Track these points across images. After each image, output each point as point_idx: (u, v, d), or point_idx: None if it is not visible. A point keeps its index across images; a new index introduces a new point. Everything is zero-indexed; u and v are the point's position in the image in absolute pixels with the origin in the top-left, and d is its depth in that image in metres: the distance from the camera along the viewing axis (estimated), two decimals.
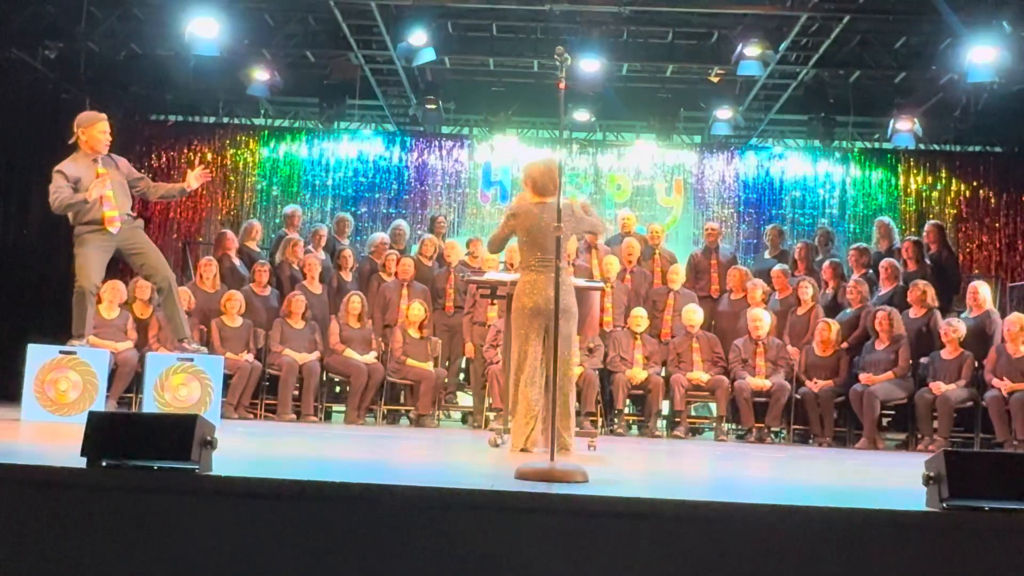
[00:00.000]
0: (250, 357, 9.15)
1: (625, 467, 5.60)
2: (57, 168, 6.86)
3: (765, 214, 13.10)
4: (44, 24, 10.10)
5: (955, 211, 12.93)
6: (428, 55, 10.28)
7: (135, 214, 7.18)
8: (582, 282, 6.60)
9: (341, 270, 10.28)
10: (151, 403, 7.15)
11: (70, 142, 6.98)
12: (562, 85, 4.60)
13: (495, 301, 8.71)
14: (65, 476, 3.27)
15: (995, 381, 8.32)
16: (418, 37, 10.08)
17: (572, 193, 12.33)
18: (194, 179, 7.22)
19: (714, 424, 9.60)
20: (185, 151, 13.09)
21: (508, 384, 5.95)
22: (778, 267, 10.19)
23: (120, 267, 8.80)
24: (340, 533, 3.12)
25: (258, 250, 10.81)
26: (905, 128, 11.57)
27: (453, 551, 3.09)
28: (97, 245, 6.85)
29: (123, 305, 9.03)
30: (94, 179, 6.78)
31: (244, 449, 5.21)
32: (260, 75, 11.13)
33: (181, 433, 3.22)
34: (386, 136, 13.41)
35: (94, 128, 6.91)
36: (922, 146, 12.68)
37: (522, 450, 5.66)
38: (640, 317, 9.36)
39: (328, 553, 3.09)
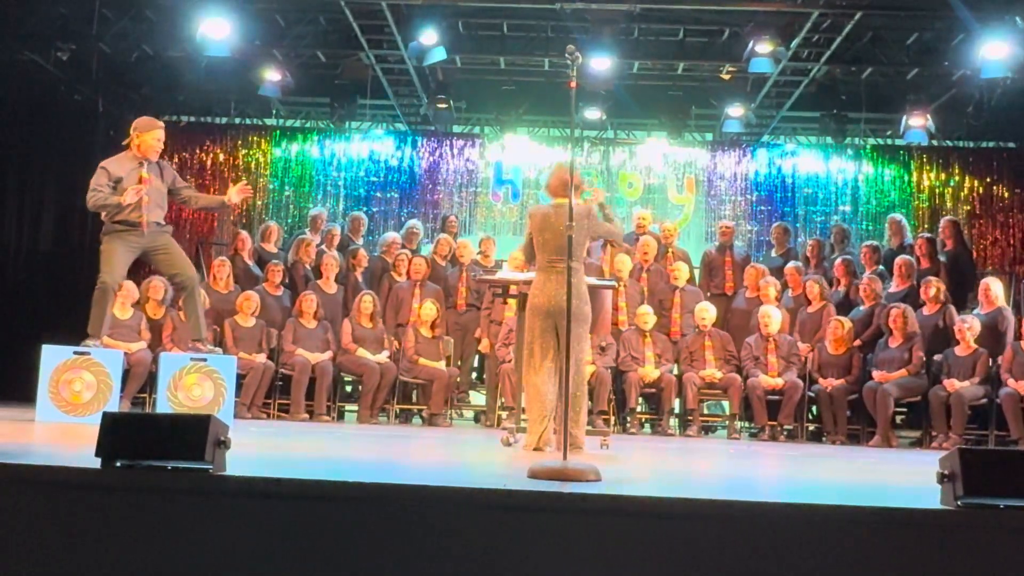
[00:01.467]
0: (263, 357, 9.17)
1: (638, 466, 5.60)
2: (103, 164, 6.99)
3: (777, 211, 13.06)
4: (56, 26, 10.13)
5: (968, 207, 12.86)
6: (439, 54, 10.28)
7: (165, 222, 7.23)
8: (594, 280, 6.60)
9: (354, 270, 10.29)
10: (165, 403, 7.18)
11: (124, 143, 7.10)
12: (573, 84, 4.61)
13: (508, 300, 8.73)
14: (79, 477, 3.28)
15: (1011, 382, 8.28)
16: (429, 36, 10.09)
17: (589, 192, 12.31)
18: (235, 193, 7.37)
19: (727, 422, 9.58)
20: (197, 152, 13.12)
21: (519, 382, 5.97)
22: (792, 264, 10.17)
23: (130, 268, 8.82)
24: (353, 533, 3.12)
25: (274, 251, 10.81)
26: (918, 124, 11.52)
27: (466, 550, 3.09)
28: (125, 243, 6.92)
29: (135, 305, 9.07)
30: (135, 182, 6.88)
31: (257, 449, 5.22)
32: (271, 75, 11.15)
33: (195, 433, 3.23)
34: (397, 136, 13.42)
35: (149, 134, 7.04)
36: (935, 142, 12.62)
37: (535, 449, 5.67)
38: (646, 314, 9.35)
39: (341, 552, 3.10)
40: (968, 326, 8.63)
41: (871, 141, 13.21)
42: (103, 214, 6.95)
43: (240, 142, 13.27)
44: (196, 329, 7.30)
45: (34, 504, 3.19)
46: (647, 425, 9.69)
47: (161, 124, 7.17)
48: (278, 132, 13.41)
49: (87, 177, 6.98)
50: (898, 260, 9.76)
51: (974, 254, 12.12)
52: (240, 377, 8.39)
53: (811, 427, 9.36)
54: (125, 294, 8.82)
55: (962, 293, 9.83)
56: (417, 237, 11.25)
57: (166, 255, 7.13)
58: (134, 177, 6.90)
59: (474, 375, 10.54)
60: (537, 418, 5.74)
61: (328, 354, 9.35)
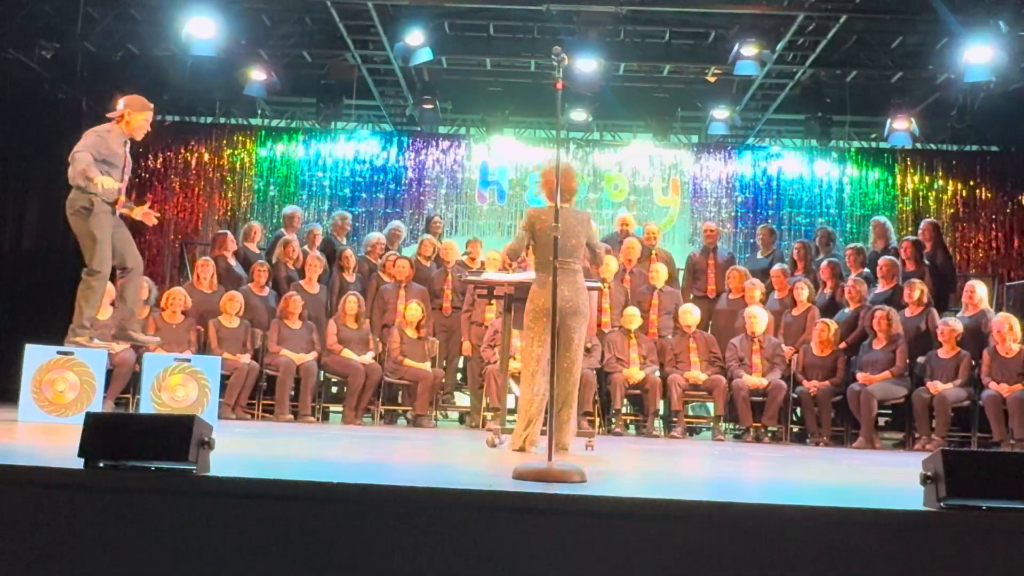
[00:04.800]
0: (247, 358, 9.14)
1: (622, 467, 5.60)
2: (100, 132, 6.75)
3: (762, 214, 13.11)
4: (40, 24, 10.08)
5: (952, 210, 12.95)
6: (425, 55, 10.28)
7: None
8: None
9: (343, 271, 10.26)
10: (148, 404, 7.15)
11: (109, 115, 6.89)
12: (559, 85, 4.61)
13: (492, 301, 8.72)
14: (62, 477, 3.26)
15: (992, 384, 8.33)
16: (415, 37, 10.08)
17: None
18: (139, 213, 7.05)
19: (712, 424, 9.60)
20: (182, 151, 13.08)
21: (505, 383, 5.97)
22: (778, 267, 10.19)
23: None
24: (337, 534, 3.12)
25: (257, 251, 10.78)
26: (902, 128, 11.60)
27: (450, 551, 3.09)
28: (110, 227, 6.78)
29: (114, 305, 8.96)
30: (121, 162, 6.76)
31: (242, 450, 5.21)
32: (257, 75, 11.13)
33: (178, 434, 3.22)
34: (383, 136, 13.41)
35: (142, 115, 6.87)
36: (919, 145, 12.71)
37: (518, 449, 5.66)
38: (633, 316, 9.36)
39: (325, 554, 3.09)
40: (950, 329, 8.67)
41: (855, 144, 13.28)
42: (84, 184, 6.62)
43: (225, 142, 13.24)
44: (134, 317, 7.12)
45: (16, 504, 3.17)
46: (632, 426, 9.70)
47: (152, 106, 7.00)
48: (263, 132, 13.39)
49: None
50: (881, 261, 9.79)
51: (957, 257, 12.21)
52: (224, 378, 8.35)
53: (795, 429, 9.39)
54: (104, 295, 8.74)
55: (943, 295, 9.88)
56: (399, 238, 11.23)
57: (124, 239, 6.94)
58: (121, 157, 6.79)
59: (459, 376, 10.53)
60: (527, 418, 5.73)
61: (313, 355, 9.32)
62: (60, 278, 10.94)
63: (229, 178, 13.18)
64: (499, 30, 11.21)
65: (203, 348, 9.07)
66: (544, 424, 5.77)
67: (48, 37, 10.11)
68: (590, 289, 6.55)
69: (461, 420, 10.40)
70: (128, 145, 6.87)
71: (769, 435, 9.13)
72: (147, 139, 7.33)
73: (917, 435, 8.61)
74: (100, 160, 6.65)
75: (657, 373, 9.29)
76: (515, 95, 12.51)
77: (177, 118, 12.94)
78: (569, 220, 5.75)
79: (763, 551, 3.08)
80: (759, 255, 11.27)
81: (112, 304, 7.32)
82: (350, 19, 10.40)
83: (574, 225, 5.81)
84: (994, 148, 13.00)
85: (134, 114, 6.84)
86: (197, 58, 10.48)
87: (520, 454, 5.55)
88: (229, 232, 10.76)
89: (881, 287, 9.67)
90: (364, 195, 13.25)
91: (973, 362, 8.59)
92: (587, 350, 9.05)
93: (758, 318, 9.24)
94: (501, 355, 6.94)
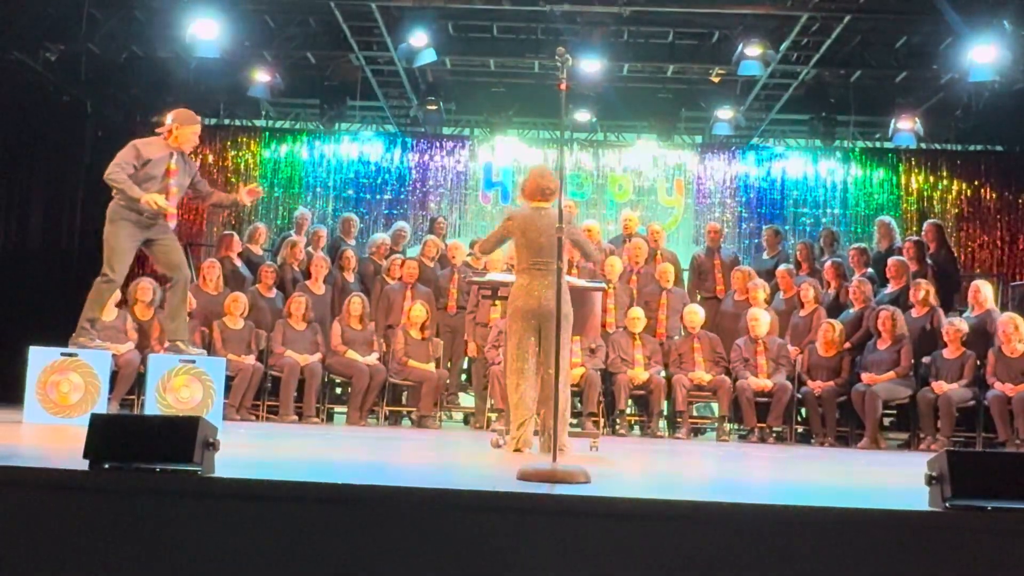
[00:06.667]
0: (252, 359, 9.14)
1: (627, 468, 5.60)
2: (135, 143, 6.92)
3: (766, 214, 13.10)
4: (45, 26, 10.10)
5: (956, 210, 12.93)
6: (429, 56, 10.28)
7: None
8: (583, 282, 6.59)
9: (343, 271, 10.28)
10: (153, 405, 7.15)
11: (157, 131, 7.06)
12: (563, 86, 4.61)
13: (496, 302, 8.71)
14: (67, 478, 3.26)
15: (998, 384, 8.32)
16: (419, 38, 10.08)
17: (574, 194, 12.36)
18: (245, 194, 7.35)
19: (716, 424, 9.59)
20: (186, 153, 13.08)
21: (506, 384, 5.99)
22: (783, 267, 10.19)
23: None
24: (342, 535, 3.12)
25: (261, 253, 10.80)
26: (906, 127, 11.58)
27: (455, 552, 3.09)
28: (132, 234, 6.84)
29: (121, 306, 9.00)
30: (164, 172, 6.87)
31: (246, 451, 5.21)
32: (261, 77, 11.14)
33: (183, 435, 3.22)
34: (387, 137, 13.42)
35: (189, 128, 7.01)
36: (923, 145, 12.68)
37: (516, 451, 5.66)
38: (638, 317, 9.36)
39: (330, 555, 3.09)
40: (955, 329, 8.66)
41: (860, 144, 13.27)
42: (114, 193, 6.84)
43: (229, 143, 13.25)
44: (181, 330, 7.22)
45: (22, 506, 3.18)
46: (636, 427, 9.70)
47: (199, 119, 7.16)
48: (267, 133, 13.40)
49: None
50: (890, 261, 9.77)
51: (962, 257, 12.19)
52: (229, 379, 8.37)
53: (800, 429, 9.38)
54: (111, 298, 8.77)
55: (946, 296, 9.86)
56: (404, 239, 11.24)
57: (166, 248, 7.05)
58: (163, 166, 6.88)
59: (464, 377, 10.53)
60: (519, 420, 5.73)
61: (317, 356, 9.33)
62: (64, 280, 10.97)
63: (233, 179, 13.17)
64: (503, 31, 11.20)
65: (208, 349, 9.07)
66: (538, 425, 5.79)
67: (52, 39, 10.12)
68: (595, 290, 6.55)
69: (465, 421, 10.40)
70: (175, 157, 6.94)
71: (774, 436, 9.12)
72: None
73: (922, 435, 8.60)
74: (139, 169, 6.79)
75: (662, 374, 9.29)
76: (519, 96, 12.50)
77: None
78: (546, 221, 5.72)
79: (768, 552, 3.08)
80: (764, 256, 11.26)
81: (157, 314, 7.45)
82: (354, 20, 10.40)
83: (550, 225, 5.73)
84: (999, 148, 12.97)
85: (182, 128, 6.99)
86: (201, 60, 10.48)
87: (523, 455, 5.55)
88: (235, 233, 10.79)
89: (891, 287, 9.65)
90: (368, 196, 13.25)
91: (979, 362, 8.58)
92: (591, 351, 9.07)
93: (761, 320, 9.23)
94: (505, 356, 6.93)
